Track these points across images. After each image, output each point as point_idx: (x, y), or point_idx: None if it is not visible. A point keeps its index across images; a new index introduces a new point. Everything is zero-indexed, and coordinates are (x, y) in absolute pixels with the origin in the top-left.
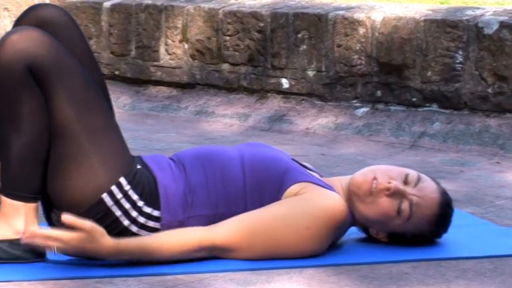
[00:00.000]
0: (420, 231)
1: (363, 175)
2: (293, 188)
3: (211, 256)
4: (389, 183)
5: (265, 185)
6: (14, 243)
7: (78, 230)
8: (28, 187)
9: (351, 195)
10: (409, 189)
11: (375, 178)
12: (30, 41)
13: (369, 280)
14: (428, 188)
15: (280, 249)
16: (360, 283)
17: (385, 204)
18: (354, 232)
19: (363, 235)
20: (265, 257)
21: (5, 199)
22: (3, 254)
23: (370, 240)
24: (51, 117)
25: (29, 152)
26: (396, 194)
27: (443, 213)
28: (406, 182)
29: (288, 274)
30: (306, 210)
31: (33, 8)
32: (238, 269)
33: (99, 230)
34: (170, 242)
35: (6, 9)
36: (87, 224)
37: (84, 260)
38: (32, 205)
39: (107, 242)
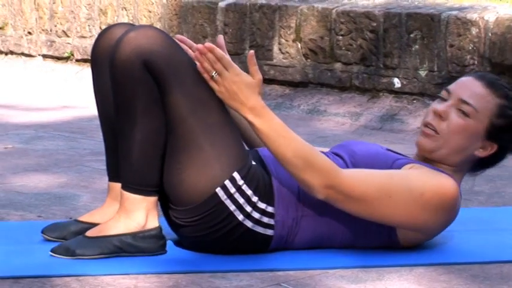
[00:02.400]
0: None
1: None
2: (405, 167)
3: (323, 193)
4: (425, 119)
5: None
6: (137, 236)
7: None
8: (147, 181)
9: (437, 161)
10: (444, 104)
11: (424, 125)
12: (146, 38)
13: (480, 280)
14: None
15: (392, 208)
16: (471, 282)
17: (453, 121)
18: (465, 230)
19: (473, 234)
20: (376, 214)
21: (124, 193)
22: (128, 247)
23: (479, 235)
24: (166, 112)
25: (147, 146)
26: (438, 116)
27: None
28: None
29: (398, 272)
30: (422, 179)
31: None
32: (348, 266)
33: (260, 87)
34: (303, 143)
35: (124, 8)
36: (259, 74)
37: (198, 254)
38: (151, 199)
39: (259, 98)
